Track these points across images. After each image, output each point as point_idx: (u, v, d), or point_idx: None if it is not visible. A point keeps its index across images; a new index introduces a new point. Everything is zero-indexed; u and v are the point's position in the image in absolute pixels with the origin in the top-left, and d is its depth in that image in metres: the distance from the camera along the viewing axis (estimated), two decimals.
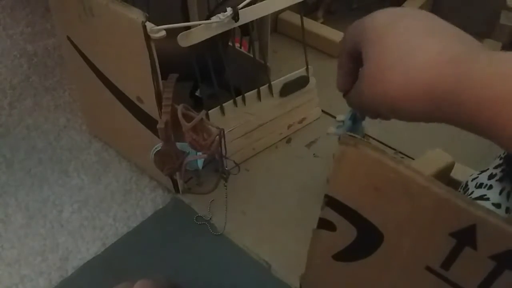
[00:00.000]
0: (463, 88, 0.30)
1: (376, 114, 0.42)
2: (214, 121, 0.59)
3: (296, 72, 0.71)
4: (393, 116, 0.37)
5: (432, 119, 0.34)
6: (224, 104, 0.64)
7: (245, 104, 0.66)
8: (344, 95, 0.46)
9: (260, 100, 0.68)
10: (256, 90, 0.67)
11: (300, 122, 0.76)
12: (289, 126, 0.74)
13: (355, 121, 0.59)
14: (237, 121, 0.67)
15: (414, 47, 0.35)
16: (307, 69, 0.72)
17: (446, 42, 0.34)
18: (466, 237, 0.33)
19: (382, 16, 0.38)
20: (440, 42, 0.34)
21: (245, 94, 0.66)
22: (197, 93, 0.72)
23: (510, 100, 0.28)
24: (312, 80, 0.73)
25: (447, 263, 0.36)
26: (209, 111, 0.63)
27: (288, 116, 0.73)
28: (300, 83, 0.71)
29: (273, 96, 0.69)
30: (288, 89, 0.70)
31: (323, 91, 0.77)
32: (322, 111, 0.79)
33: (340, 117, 0.65)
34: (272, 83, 0.68)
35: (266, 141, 0.72)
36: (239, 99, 0.66)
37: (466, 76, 0.31)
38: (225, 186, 0.60)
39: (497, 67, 0.30)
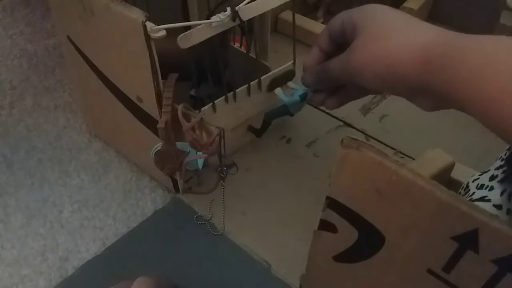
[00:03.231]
0: (450, 56, 0.36)
1: (345, 83, 0.50)
2: (206, 118, 0.58)
3: (284, 66, 0.70)
4: (381, 84, 0.42)
5: (418, 85, 0.39)
6: (216, 101, 0.64)
7: (235, 100, 0.66)
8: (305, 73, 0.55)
9: (250, 96, 0.67)
10: (246, 86, 0.66)
11: None
12: None
13: (303, 99, 0.64)
14: (227, 117, 0.66)
15: (414, 24, 0.41)
16: (294, 63, 0.71)
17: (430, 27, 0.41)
18: (468, 241, 0.33)
19: (378, 6, 0.45)
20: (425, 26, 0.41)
21: (236, 90, 0.65)
22: (192, 93, 0.71)
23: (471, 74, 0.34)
24: (298, 73, 0.72)
25: (449, 266, 0.36)
26: (201, 109, 0.62)
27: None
28: (287, 77, 0.71)
29: (261, 91, 0.69)
30: (275, 83, 0.70)
31: None
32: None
33: (292, 85, 0.67)
34: (261, 78, 0.68)
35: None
36: (230, 95, 0.65)
37: (451, 50, 0.36)
38: (223, 185, 0.60)
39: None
